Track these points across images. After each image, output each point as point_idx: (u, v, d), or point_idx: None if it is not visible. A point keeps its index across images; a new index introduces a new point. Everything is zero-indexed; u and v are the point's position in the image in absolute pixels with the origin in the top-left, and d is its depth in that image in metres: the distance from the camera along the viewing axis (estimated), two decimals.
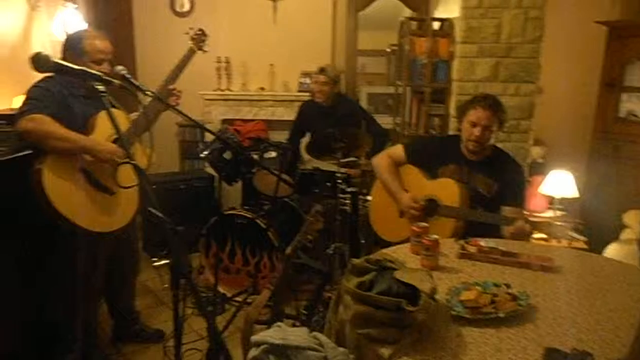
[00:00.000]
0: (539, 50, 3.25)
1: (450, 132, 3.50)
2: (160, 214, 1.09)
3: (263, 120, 5.10)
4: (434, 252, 1.96)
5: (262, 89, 5.06)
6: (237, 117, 5.13)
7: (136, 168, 1.20)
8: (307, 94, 4.74)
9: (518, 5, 3.21)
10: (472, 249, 2.10)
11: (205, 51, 2.77)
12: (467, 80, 3.30)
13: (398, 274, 1.58)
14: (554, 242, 3.13)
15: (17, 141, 2.27)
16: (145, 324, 3.03)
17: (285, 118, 5.01)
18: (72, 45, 2.38)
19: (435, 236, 1.97)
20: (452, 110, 3.42)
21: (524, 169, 2.59)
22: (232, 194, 4.53)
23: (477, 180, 2.57)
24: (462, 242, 2.18)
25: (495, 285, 1.76)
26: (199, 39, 2.73)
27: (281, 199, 3.56)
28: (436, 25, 3.82)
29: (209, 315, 1.03)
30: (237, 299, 3.31)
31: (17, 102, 3.29)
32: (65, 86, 2.35)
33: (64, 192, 2.22)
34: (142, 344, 2.93)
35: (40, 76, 2.33)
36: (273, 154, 3.48)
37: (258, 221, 3.30)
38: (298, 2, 4.95)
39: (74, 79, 2.26)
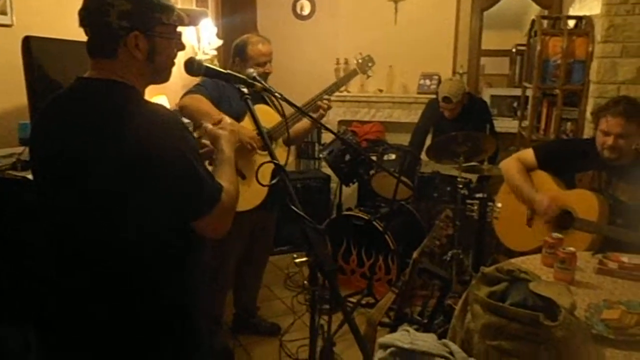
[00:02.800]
0: None
1: (586, 137, 3.27)
2: (301, 212, 1.12)
3: (380, 122, 5.09)
4: (570, 265, 1.84)
5: (381, 90, 5.05)
6: (354, 119, 5.16)
7: (278, 166, 1.24)
8: (427, 95, 4.68)
9: None
10: (612, 265, 1.95)
11: (369, 76, 2.90)
12: (608, 83, 3.05)
13: (533, 286, 1.50)
14: None
15: None
16: (261, 317, 3.14)
17: (403, 120, 4.97)
18: (239, 52, 2.61)
19: (572, 248, 1.85)
20: (588, 115, 3.19)
21: None
22: (347, 195, 4.57)
23: (617, 187, 2.38)
24: (600, 256, 2.03)
25: None
26: (366, 64, 2.85)
27: (399, 202, 3.54)
28: (571, 23, 3.59)
29: (349, 315, 1.04)
30: (352, 299, 3.34)
31: (155, 101, 3.56)
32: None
33: None
34: (259, 336, 3.03)
35: (177, 80, 2.52)
36: (393, 156, 3.46)
37: (375, 223, 3.30)
38: (420, 2, 4.88)
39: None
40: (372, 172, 3.50)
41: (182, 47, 1.36)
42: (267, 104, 2.57)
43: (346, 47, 5.09)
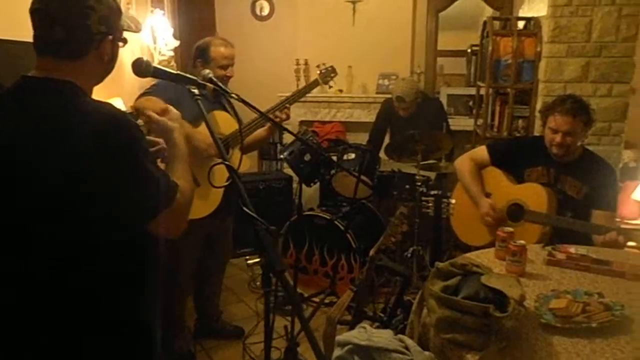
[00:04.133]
0: (633, 48, 3.08)
1: (536, 134, 3.39)
2: (253, 213, 1.13)
3: (341, 122, 5.14)
4: (521, 258, 1.91)
5: (340, 90, 5.11)
6: (315, 119, 5.21)
7: (229, 168, 1.24)
8: (385, 95, 4.74)
9: (611, 2, 3.06)
10: (560, 256, 2.03)
11: (330, 87, 2.89)
12: (555, 81, 3.18)
13: (485, 279, 1.56)
14: None
15: None
16: (225, 321, 3.12)
17: (363, 120, 5.03)
18: (201, 54, 2.57)
19: (523, 242, 1.92)
20: (538, 112, 3.32)
21: (616, 172, 2.48)
22: (309, 195, 4.60)
23: (565, 182, 2.48)
24: (549, 248, 2.11)
25: (587, 294, 1.70)
26: (327, 74, 2.84)
27: (359, 201, 3.58)
28: (521, 24, 3.71)
29: (302, 314, 1.06)
30: (315, 299, 3.36)
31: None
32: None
33: None
34: (222, 340, 3.01)
35: (131, 82, 2.49)
36: (352, 156, 3.50)
37: (337, 222, 3.33)
38: (378, 3, 4.95)
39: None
40: (332, 172, 3.54)
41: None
42: (226, 110, 2.55)
43: (306, 48, 5.13)
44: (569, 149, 2.42)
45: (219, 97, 1.51)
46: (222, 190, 2.53)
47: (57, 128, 1.16)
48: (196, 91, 1.46)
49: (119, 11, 1.31)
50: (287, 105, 2.64)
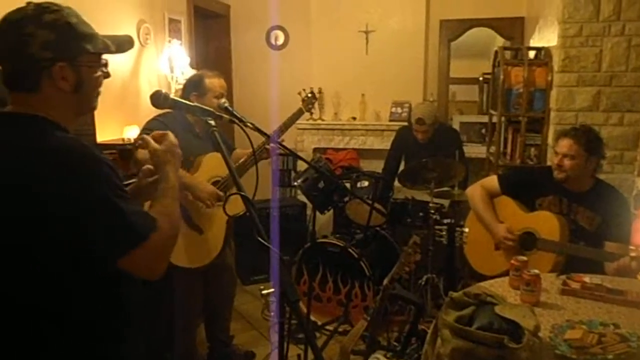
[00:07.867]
0: None
1: (549, 163, 3.41)
2: (268, 244, 1.15)
3: (354, 149, 5.19)
4: (535, 287, 1.91)
5: (354, 118, 5.16)
6: (329, 146, 5.25)
7: (244, 198, 1.26)
8: (398, 123, 4.79)
9: (620, 33, 3.11)
10: (575, 285, 2.03)
11: (312, 113, 2.94)
12: (566, 110, 3.22)
13: (499, 309, 1.56)
14: None
15: None
16: (236, 346, 3.12)
17: (376, 147, 5.07)
18: (196, 86, 2.64)
19: (536, 271, 1.93)
20: (550, 140, 3.33)
21: (629, 202, 2.47)
22: (323, 222, 4.61)
23: (578, 213, 2.48)
24: (563, 277, 2.10)
25: (602, 324, 1.69)
26: (309, 101, 2.93)
27: (373, 228, 3.59)
28: (532, 54, 3.75)
29: (314, 344, 1.07)
30: (329, 327, 3.35)
31: (127, 131, 3.57)
32: (180, 123, 2.55)
33: None
34: None
35: (148, 110, 2.56)
36: (366, 183, 3.53)
37: (350, 250, 3.34)
38: (390, 33, 5.03)
39: (191, 115, 2.48)
40: (346, 199, 3.56)
41: (107, 75, 1.30)
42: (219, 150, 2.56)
43: (320, 77, 5.19)
44: (568, 174, 2.45)
45: (209, 135, 1.47)
46: (222, 235, 2.59)
47: (16, 169, 1.10)
48: (213, 122, 1.47)
49: (75, 33, 1.16)
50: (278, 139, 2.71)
